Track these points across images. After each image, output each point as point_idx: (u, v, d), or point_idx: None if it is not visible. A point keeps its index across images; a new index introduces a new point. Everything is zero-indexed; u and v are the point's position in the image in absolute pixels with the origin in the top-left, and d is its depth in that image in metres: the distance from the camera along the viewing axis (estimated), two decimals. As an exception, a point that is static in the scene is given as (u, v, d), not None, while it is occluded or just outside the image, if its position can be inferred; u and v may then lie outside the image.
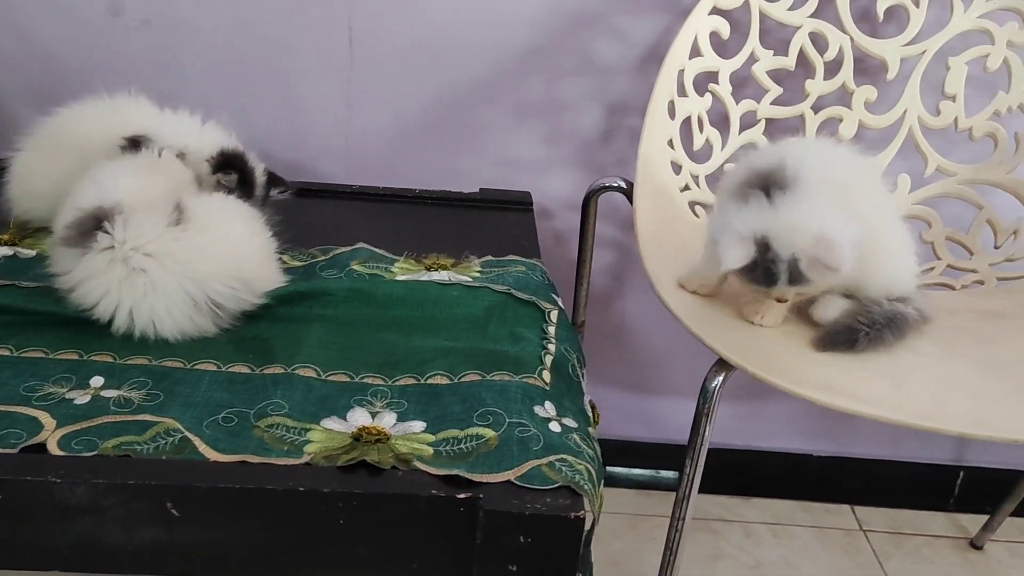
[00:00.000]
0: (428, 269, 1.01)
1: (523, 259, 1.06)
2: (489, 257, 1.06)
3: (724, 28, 1.20)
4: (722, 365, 0.85)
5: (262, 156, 1.10)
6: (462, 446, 0.71)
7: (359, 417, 0.74)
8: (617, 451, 1.53)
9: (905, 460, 1.58)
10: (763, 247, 0.84)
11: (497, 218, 1.24)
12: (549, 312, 0.94)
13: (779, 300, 0.89)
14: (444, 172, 1.36)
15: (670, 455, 1.55)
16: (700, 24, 1.18)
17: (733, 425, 1.54)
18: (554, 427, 0.75)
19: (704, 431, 0.87)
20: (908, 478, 1.58)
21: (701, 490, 1.60)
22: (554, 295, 0.99)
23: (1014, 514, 1.49)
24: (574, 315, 1.29)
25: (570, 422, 0.77)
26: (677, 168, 1.17)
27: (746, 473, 1.59)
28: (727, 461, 1.55)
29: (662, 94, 1.14)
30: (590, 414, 0.87)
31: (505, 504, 0.64)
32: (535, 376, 0.81)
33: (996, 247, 1.19)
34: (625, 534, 1.49)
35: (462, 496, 0.64)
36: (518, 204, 1.27)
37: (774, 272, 0.85)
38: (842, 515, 1.58)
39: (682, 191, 1.16)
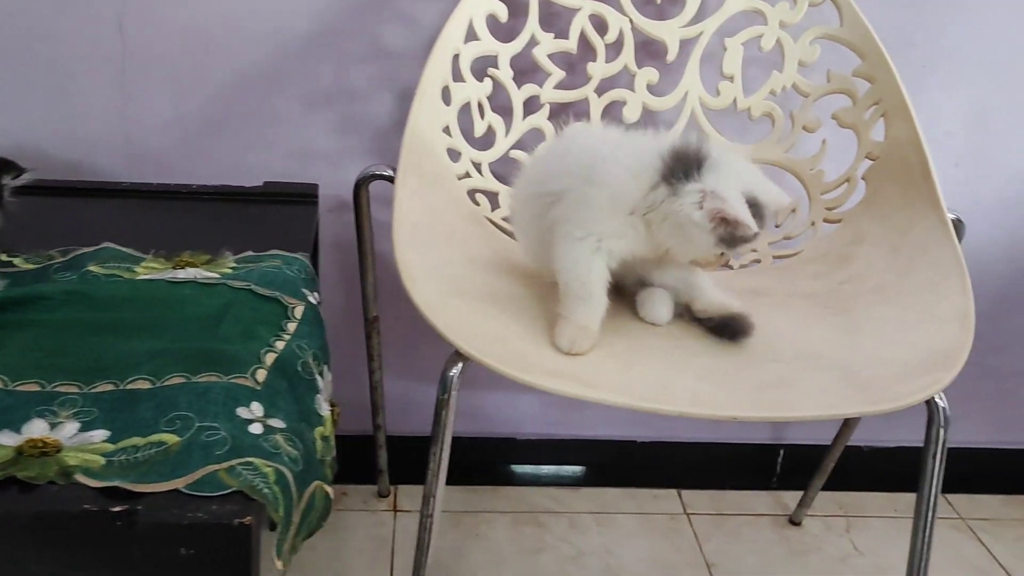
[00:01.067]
0: (175, 267, 0.96)
1: (285, 253, 1.02)
2: (249, 252, 1.01)
3: (502, 11, 1.17)
4: (459, 356, 0.82)
5: (37, 154, 1.03)
6: (139, 454, 0.66)
7: (35, 429, 0.68)
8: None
9: (727, 442, 1.59)
10: (758, 209, 0.85)
11: (278, 212, 1.19)
12: (293, 308, 0.90)
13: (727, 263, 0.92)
14: (233, 166, 1.31)
15: (494, 448, 1.54)
16: (476, 7, 1.15)
17: (556, 415, 1.53)
18: (254, 429, 0.71)
19: (445, 421, 0.84)
20: (731, 459, 1.59)
21: (530, 483, 1.61)
22: (307, 290, 0.95)
23: (830, 488, 1.52)
24: (365, 310, 1.25)
25: (278, 422, 0.73)
26: (456, 155, 1.14)
27: (572, 462, 1.58)
28: (555, 452, 1.54)
29: (432, 80, 1.10)
30: (324, 413, 0.83)
31: (166, 515, 0.60)
32: (247, 376, 0.76)
33: (776, 225, 1.20)
34: (448, 532, 1.46)
35: (117, 509, 0.60)
36: (303, 197, 1.22)
37: (762, 230, 0.85)
38: (668, 499, 1.58)
39: (461, 179, 1.13)
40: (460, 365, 0.82)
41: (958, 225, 1.10)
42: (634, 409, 0.75)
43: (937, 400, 0.83)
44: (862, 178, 1.15)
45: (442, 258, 0.95)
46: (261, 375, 0.78)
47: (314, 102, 1.30)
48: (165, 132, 1.29)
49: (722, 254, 0.88)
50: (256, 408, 0.74)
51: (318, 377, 0.85)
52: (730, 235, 0.84)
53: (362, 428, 1.42)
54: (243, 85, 1.28)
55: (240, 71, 1.27)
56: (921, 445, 0.87)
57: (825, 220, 1.17)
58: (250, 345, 0.82)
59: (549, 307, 0.92)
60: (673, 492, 1.59)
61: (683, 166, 0.86)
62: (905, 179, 1.08)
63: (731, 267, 1.15)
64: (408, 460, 1.51)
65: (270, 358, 0.80)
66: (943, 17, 1.33)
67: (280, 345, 0.83)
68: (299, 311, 0.90)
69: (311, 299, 0.93)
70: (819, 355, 0.85)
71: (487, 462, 1.55)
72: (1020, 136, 1.40)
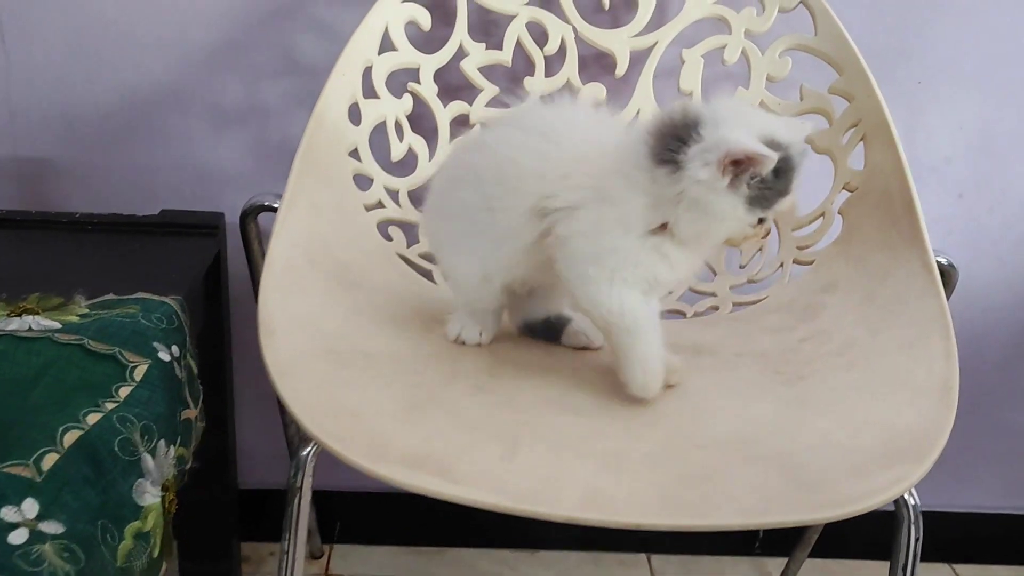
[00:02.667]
0: (11, 315, 0.81)
1: (151, 297, 0.87)
2: (110, 296, 0.87)
3: (424, 17, 1.02)
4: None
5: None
6: None
7: None
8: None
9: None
10: (775, 146, 0.68)
11: (173, 246, 1.05)
12: (133, 368, 0.75)
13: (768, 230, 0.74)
14: (130, 191, 1.16)
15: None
16: (392, 13, 1.01)
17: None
18: (16, 537, 0.56)
19: (296, 513, 0.68)
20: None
21: (480, 544, 1.45)
22: (163, 344, 0.80)
23: (818, 555, 1.35)
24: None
25: (54, 526, 0.58)
26: (366, 182, 0.99)
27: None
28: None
29: (335, 96, 0.95)
30: (147, 503, 0.67)
31: None
32: (27, 464, 0.61)
33: (741, 266, 1.04)
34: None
35: None
36: (204, 228, 1.07)
37: (793, 172, 0.70)
38: (636, 566, 1.41)
39: (371, 209, 0.98)
40: (312, 446, 0.67)
41: (948, 271, 0.93)
42: (509, 512, 0.59)
43: (906, 498, 0.66)
44: (839, 212, 0.98)
45: (321, 307, 0.80)
46: (49, 461, 0.62)
47: (223, 121, 1.15)
48: (58, 153, 1.15)
49: (761, 220, 0.72)
50: (29, 507, 0.58)
51: (146, 457, 0.70)
52: (754, 184, 0.69)
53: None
54: (142, 101, 1.14)
55: (138, 85, 1.13)
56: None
57: (796, 261, 1.00)
58: (55, 419, 0.67)
59: (439, 369, 0.76)
60: (642, 557, 1.43)
61: (675, 136, 0.70)
62: (886, 214, 0.92)
63: (683, 314, 0.99)
64: (346, 516, 1.36)
65: (71, 437, 0.65)
66: (941, 26, 1.17)
67: (93, 419, 0.68)
68: (140, 371, 0.75)
69: (163, 355, 0.78)
70: (758, 439, 0.69)
71: (432, 521, 1.39)
72: (1031, 162, 1.23)
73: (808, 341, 0.84)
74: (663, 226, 0.72)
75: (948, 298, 0.95)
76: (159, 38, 1.11)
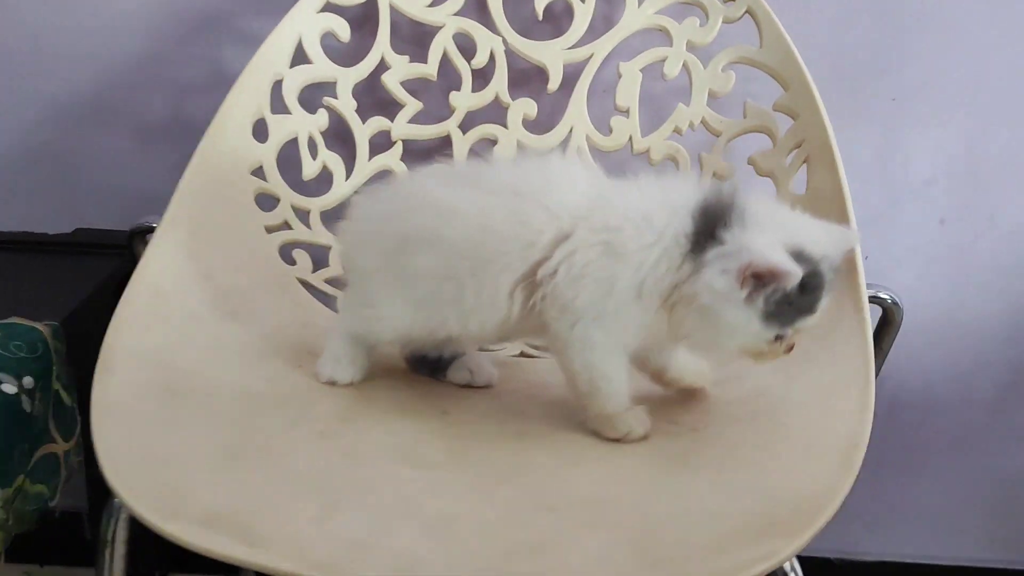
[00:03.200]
0: None
1: (22, 322, 0.82)
2: (-16, 321, 0.82)
3: (342, 29, 0.96)
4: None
5: None
6: None
7: None
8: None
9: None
10: (802, 259, 0.63)
11: (84, 265, 1.00)
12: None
13: (791, 348, 0.68)
14: (54, 208, 1.12)
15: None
16: (306, 23, 0.95)
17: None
18: None
19: (110, 561, 0.62)
20: None
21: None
22: (13, 375, 0.75)
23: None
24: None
25: None
26: (271, 202, 0.93)
27: None
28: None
29: (236, 112, 0.90)
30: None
31: None
32: None
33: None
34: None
35: None
36: (116, 247, 1.03)
37: (820, 291, 0.65)
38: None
39: (273, 231, 0.92)
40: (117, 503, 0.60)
41: (892, 309, 0.83)
42: None
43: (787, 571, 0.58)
44: (780, 241, 0.89)
45: (180, 339, 0.74)
46: None
47: (149, 138, 1.11)
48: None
49: (778, 337, 0.65)
50: None
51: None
52: (776, 299, 0.62)
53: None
54: (65, 116, 1.10)
55: (60, 99, 1.09)
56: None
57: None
58: None
59: (288, 410, 0.70)
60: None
61: (711, 226, 0.64)
62: (824, 245, 0.82)
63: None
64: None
65: None
66: (919, 40, 1.07)
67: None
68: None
69: (8, 387, 0.73)
70: (620, 502, 0.61)
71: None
72: (1019, 184, 1.12)
73: (717, 386, 0.75)
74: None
75: (891, 338, 0.86)
76: (82, 49, 1.07)
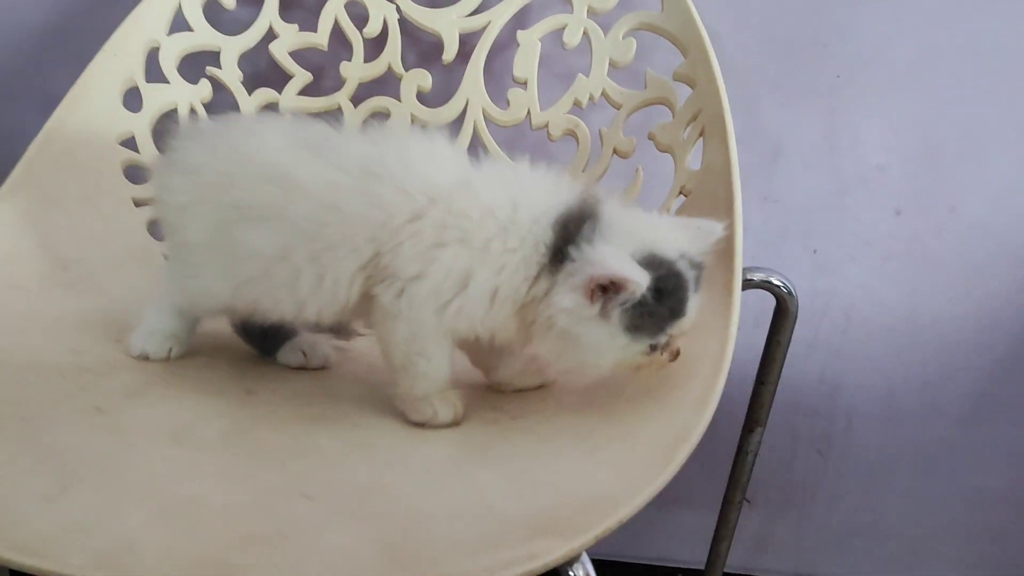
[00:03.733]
0: None
1: None
2: None
3: (227, -5, 0.91)
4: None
5: None
6: None
7: None
8: None
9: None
10: (654, 264, 0.59)
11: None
12: None
13: (676, 355, 0.63)
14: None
15: None
16: (187, -11, 0.90)
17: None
18: None
19: None
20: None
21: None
22: None
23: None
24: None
25: None
26: (143, 175, 0.89)
27: None
28: None
29: (101, 79, 0.86)
30: None
31: None
32: None
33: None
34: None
35: None
36: None
37: (683, 291, 0.60)
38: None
39: (143, 205, 0.88)
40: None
41: (785, 299, 0.75)
42: (16, 568, 0.47)
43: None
44: (673, 221, 0.81)
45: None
46: None
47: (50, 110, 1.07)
48: None
49: (652, 347, 0.60)
50: None
51: None
52: (631, 309, 0.58)
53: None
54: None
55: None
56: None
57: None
58: None
59: (73, 383, 0.64)
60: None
61: (567, 240, 0.60)
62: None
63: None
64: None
65: None
66: (864, 6, 0.97)
67: None
68: None
69: None
70: (388, 493, 0.54)
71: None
72: (983, 171, 1.01)
73: (567, 374, 0.68)
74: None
75: (788, 329, 0.77)
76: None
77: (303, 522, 0.51)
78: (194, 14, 0.91)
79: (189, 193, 0.66)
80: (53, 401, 0.61)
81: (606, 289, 0.58)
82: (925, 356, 1.10)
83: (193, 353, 0.71)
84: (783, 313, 0.76)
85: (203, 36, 0.91)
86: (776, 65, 1.00)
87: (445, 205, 0.61)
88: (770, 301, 0.81)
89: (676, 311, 0.60)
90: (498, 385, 0.69)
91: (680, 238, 0.62)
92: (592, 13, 0.89)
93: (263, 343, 0.72)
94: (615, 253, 0.58)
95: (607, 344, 0.59)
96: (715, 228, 0.64)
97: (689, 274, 0.60)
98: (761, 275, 0.73)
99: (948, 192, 1.03)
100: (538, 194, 0.62)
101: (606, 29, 0.88)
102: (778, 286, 0.74)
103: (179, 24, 0.91)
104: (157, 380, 0.66)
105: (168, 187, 0.67)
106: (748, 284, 0.74)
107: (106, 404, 0.62)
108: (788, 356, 1.09)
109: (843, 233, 1.05)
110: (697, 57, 0.81)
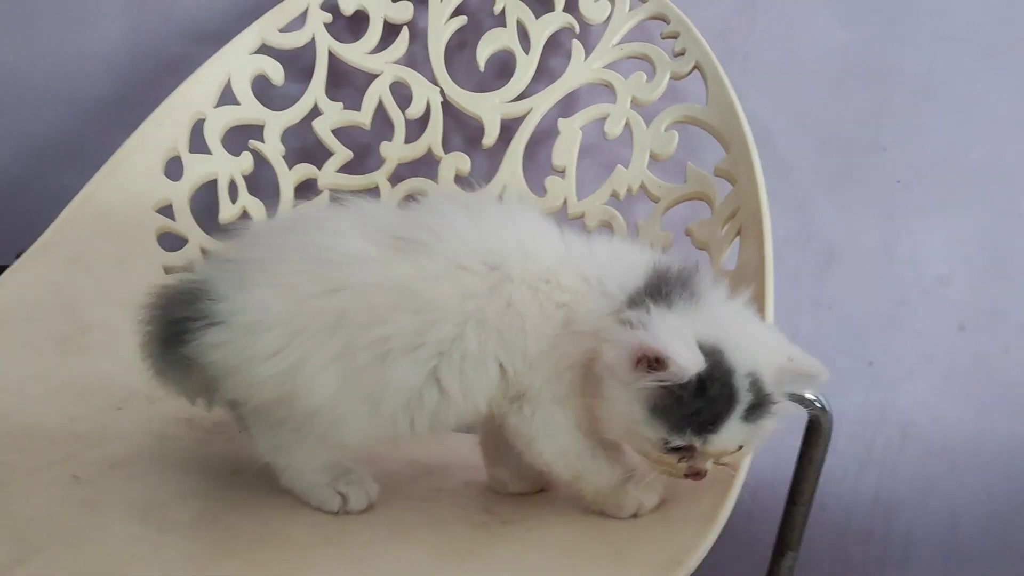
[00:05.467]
0: None
1: None
2: None
3: (275, 72, 0.93)
4: None
5: None
6: None
7: None
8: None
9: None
10: (712, 359, 0.54)
11: None
12: None
13: (696, 473, 0.56)
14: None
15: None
16: (237, 64, 0.92)
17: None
18: None
19: None
20: None
21: None
22: None
23: None
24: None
25: None
26: (177, 242, 0.89)
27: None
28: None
29: (144, 146, 0.88)
30: None
31: None
32: None
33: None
34: None
35: None
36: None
37: (724, 404, 0.54)
38: None
39: (173, 272, 0.88)
40: None
41: (818, 417, 0.69)
42: None
43: None
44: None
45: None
46: None
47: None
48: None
49: (674, 449, 0.55)
50: None
51: None
52: (663, 394, 0.53)
53: None
54: (37, 154, 1.12)
55: (33, 136, 1.11)
56: None
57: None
58: None
59: (57, 450, 0.63)
60: None
61: (648, 291, 0.57)
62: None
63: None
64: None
65: None
66: (927, 109, 0.93)
67: None
68: None
69: None
70: None
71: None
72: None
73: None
74: None
75: (822, 449, 0.71)
76: (53, 91, 1.09)
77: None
78: (242, 88, 0.92)
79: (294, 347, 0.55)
80: (34, 467, 0.60)
81: (647, 361, 0.53)
82: (991, 483, 1.01)
83: (196, 426, 0.69)
84: (816, 430, 0.70)
85: (249, 110, 0.92)
86: (832, 166, 0.96)
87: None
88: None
89: (708, 420, 0.53)
90: (497, 483, 0.64)
91: (766, 359, 0.56)
92: (635, 104, 0.87)
93: None
94: (681, 330, 0.53)
95: (624, 413, 0.55)
96: (818, 370, 0.57)
97: (743, 394, 0.54)
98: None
99: (1018, 307, 0.96)
100: (629, 252, 0.60)
101: (648, 120, 0.86)
102: (811, 400, 0.69)
103: (226, 97, 0.92)
104: (144, 452, 0.65)
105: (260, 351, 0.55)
106: (777, 394, 0.68)
107: (86, 475, 0.60)
108: (837, 473, 1.02)
109: (901, 346, 0.99)
110: (739, 153, 0.78)
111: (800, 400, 0.66)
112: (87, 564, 0.51)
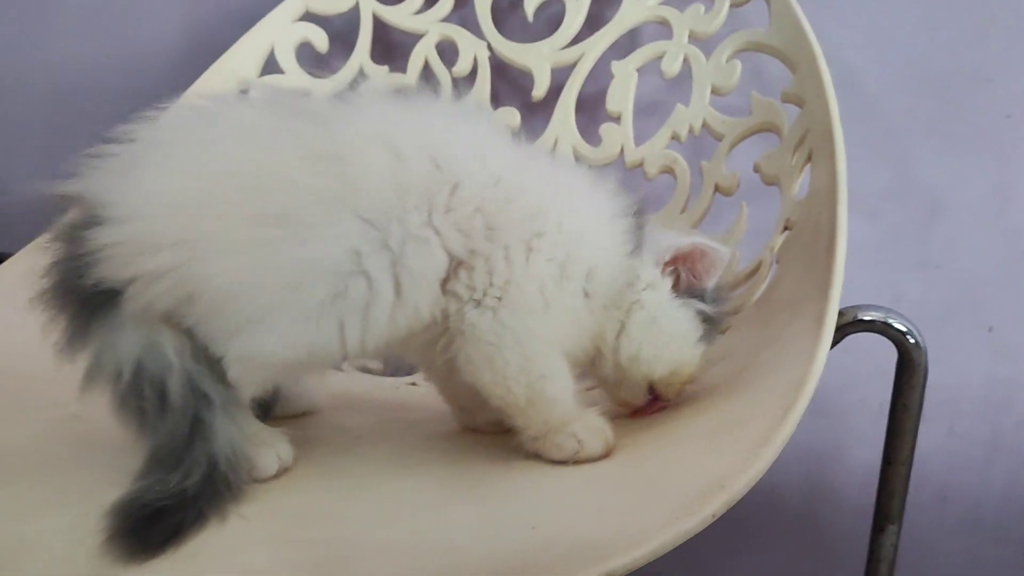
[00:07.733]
0: None
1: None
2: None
3: (320, 39, 0.90)
4: None
5: None
6: None
7: None
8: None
9: None
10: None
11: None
12: None
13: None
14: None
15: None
16: (281, 32, 0.90)
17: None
18: None
19: None
20: None
21: None
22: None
23: None
24: None
25: None
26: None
27: None
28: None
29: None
30: None
31: None
32: None
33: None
34: None
35: None
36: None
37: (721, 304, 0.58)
38: None
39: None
40: None
41: (911, 351, 0.59)
42: None
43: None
44: (776, 261, 0.68)
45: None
46: None
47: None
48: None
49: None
50: None
51: None
52: (704, 297, 0.56)
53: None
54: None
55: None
56: None
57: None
58: None
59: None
60: None
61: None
62: (808, 257, 0.61)
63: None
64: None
65: None
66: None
67: None
68: None
69: None
70: (341, 517, 0.43)
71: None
72: None
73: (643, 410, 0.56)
74: None
75: (918, 388, 0.61)
76: (120, 86, 1.09)
77: (223, 540, 0.41)
78: (286, 57, 0.89)
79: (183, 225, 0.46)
80: (33, 407, 0.56)
81: (680, 258, 0.55)
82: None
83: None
84: (910, 370, 0.59)
85: (293, 78, 0.89)
86: (931, 106, 0.85)
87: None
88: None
89: (716, 329, 0.57)
90: (465, 419, 0.58)
91: None
92: (694, 38, 0.79)
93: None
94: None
95: (686, 331, 0.55)
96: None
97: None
98: (877, 315, 0.58)
99: None
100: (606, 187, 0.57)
101: (708, 53, 0.78)
102: (900, 331, 0.58)
103: (270, 67, 0.89)
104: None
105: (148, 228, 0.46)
106: (858, 325, 0.58)
107: (85, 412, 0.56)
108: (959, 460, 0.89)
109: (1022, 308, 0.86)
110: (807, 72, 0.69)
111: (885, 330, 0.57)
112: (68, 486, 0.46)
